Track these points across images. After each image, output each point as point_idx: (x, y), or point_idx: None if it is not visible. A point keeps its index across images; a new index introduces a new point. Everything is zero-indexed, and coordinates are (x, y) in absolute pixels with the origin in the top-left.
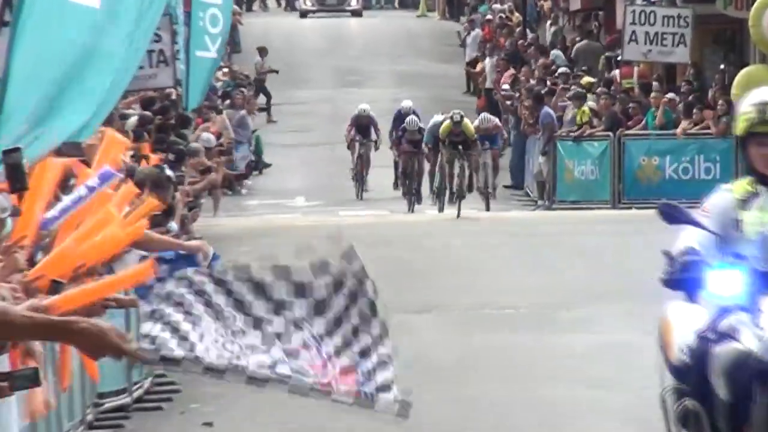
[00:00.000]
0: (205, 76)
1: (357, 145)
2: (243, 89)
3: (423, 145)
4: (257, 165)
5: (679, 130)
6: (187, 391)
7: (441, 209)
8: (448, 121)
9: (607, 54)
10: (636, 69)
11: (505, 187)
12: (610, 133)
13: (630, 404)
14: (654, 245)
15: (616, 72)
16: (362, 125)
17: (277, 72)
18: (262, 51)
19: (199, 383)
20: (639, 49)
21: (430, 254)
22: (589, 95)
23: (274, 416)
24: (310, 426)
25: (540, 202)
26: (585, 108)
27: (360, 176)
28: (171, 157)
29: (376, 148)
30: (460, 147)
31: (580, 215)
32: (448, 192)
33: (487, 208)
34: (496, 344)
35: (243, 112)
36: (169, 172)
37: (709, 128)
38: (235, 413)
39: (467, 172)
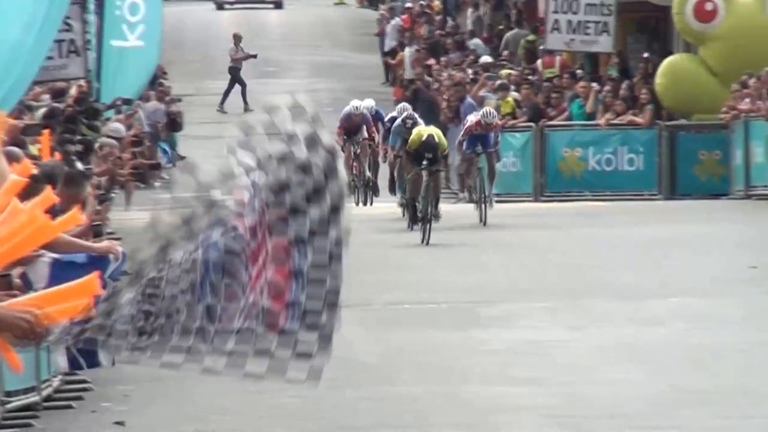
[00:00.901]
0: (129, 65)
1: (350, 147)
2: (162, 81)
3: (388, 148)
4: (171, 158)
5: (602, 121)
6: (98, 390)
7: (411, 226)
8: (417, 130)
9: (527, 40)
10: (558, 59)
11: None
12: (533, 124)
13: (552, 401)
14: (577, 239)
15: (539, 62)
16: (354, 126)
17: (255, 56)
18: (236, 38)
19: (110, 382)
20: (562, 39)
21: (351, 250)
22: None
23: (187, 416)
24: (226, 428)
25: (461, 195)
26: (509, 99)
27: (360, 180)
28: (79, 148)
29: (376, 150)
30: (425, 163)
31: (502, 209)
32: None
33: (483, 222)
34: (417, 341)
35: (158, 103)
36: (79, 165)
37: (632, 119)
38: (147, 412)
39: (434, 193)
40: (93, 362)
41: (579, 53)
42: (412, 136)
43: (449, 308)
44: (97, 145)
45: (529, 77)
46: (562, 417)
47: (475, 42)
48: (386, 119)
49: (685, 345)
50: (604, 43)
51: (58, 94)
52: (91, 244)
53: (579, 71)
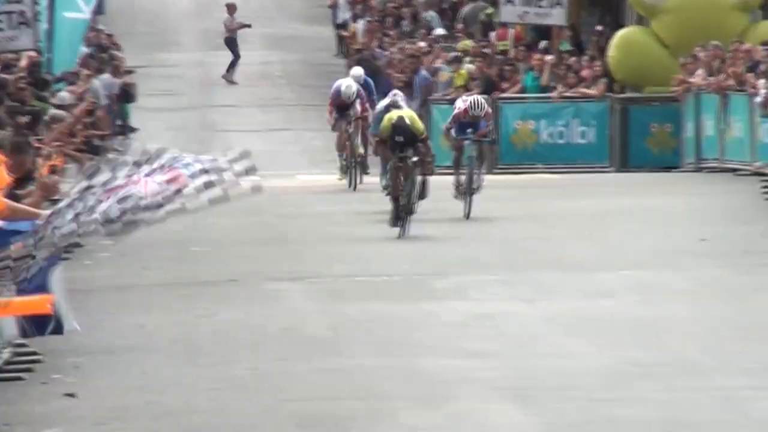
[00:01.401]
0: (76, 37)
1: (342, 125)
2: (115, 52)
3: (370, 137)
4: (123, 129)
5: (555, 94)
6: (48, 362)
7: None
8: (388, 116)
9: (485, 13)
10: (512, 31)
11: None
12: (486, 97)
13: (503, 373)
14: (529, 212)
15: (492, 34)
16: (345, 103)
17: (249, 26)
18: (230, 8)
19: (61, 353)
20: (515, 11)
21: (303, 224)
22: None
23: (138, 388)
24: (177, 400)
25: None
26: (463, 71)
27: (353, 160)
28: (27, 119)
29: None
30: (409, 150)
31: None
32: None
33: (467, 214)
34: (369, 313)
35: (110, 76)
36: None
37: (584, 91)
38: (99, 384)
39: (417, 184)
40: (43, 329)
41: (531, 26)
42: (382, 122)
43: (401, 280)
44: (46, 117)
45: (485, 50)
46: (514, 389)
47: (430, 14)
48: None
49: (636, 317)
50: (557, 16)
51: (7, 66)
52: (39, 211)
53: (544, 42)
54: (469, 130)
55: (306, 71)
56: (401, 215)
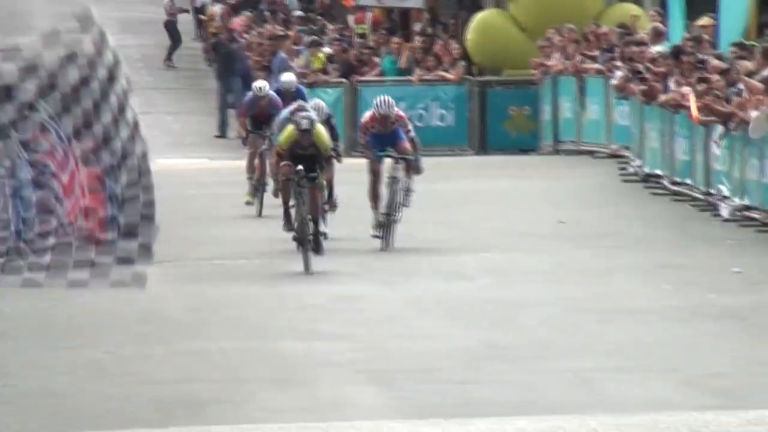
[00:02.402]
0: None
1: (256, 141)
2: None
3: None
4: None
5: (414, 77)
6: None
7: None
8: (291, 127)
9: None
10: (370, 15)
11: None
12: (345, 80)
13: (363, 356)
14: None
15: (350, 18)
16: (261, 114)
17: (188, 12)
18: None
19: None
20: None
21: (163, 207)
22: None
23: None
24: (36, 384)
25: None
26: (320, 54)
27: (261, 185)
28: None
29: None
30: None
31: None
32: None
33: (385, 244)
34: (229, 296)
35: None
36: None
37: (443, 75)
38: None
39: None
40: None
41: (390, 9)
42: (283, 133)
43: (261, 264)
44: None
45: (344, 33)
46: (373, 372)
47: None
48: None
49: (493, 299)
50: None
51: None
52: None
53: (419, 23)
54: (387, 146)
55: (164, 55)
56: (299, 244)
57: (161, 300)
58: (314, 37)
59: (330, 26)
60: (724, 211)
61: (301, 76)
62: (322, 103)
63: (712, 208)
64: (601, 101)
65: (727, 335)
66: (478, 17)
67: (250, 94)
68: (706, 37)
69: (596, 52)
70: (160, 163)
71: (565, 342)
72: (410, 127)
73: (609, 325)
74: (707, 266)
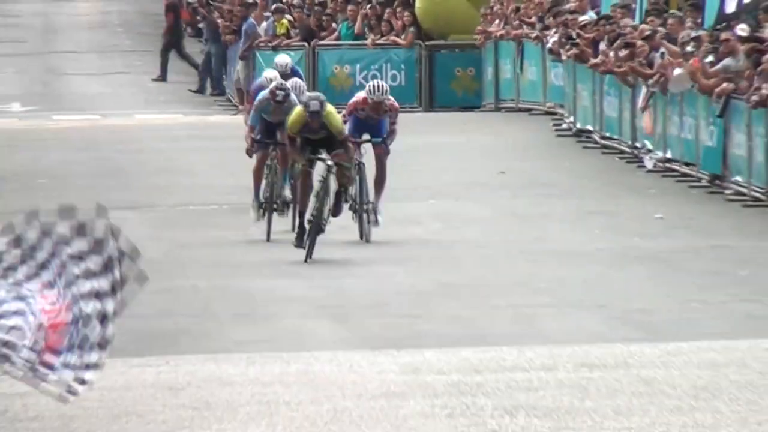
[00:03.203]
0: None
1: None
2: None
3: (247, 133)
4: None
5: (369, 42)
6: None
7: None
8: (299, 109)
9: None
10: None
11: (211, 94)
12: (305, 44)
13: (319, 293)
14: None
15: None
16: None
17: None
18: None
19: None
20: None
21: (139, 158)
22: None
23: None
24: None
25: (240, 107)
26: (284, 21)
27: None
28: None
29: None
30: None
31: None
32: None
33: (361, 236)
34: (200, 239)
35: None
36: None
37: (395, 39)
38: None
39: (332, 191)
40: None
41: None
42: (292, 116)
43: (230, 209)
44: None
45: (305, 0)
46: (330, 307)
47: None
48: (252, 87)
49: (440, 242)
50: None
51: None
52: None
53: None
54: (365, 135)
55: (142, 20)
56: (309, 232)
57: (138, 242)
58: (279, 4)
59: None
60: (648, 163)
61: (266, 40)
62: (300, 82)
63: (637, 160)
64: (538, 63)
65: (650, 275)
66: None
67: (257, 81)
68: (633, 6)
69: (533, 19)
70: (137, 118)
71: (505, 281)
72: (397, 119)
73: (544, 265)
74: (633, 213)
